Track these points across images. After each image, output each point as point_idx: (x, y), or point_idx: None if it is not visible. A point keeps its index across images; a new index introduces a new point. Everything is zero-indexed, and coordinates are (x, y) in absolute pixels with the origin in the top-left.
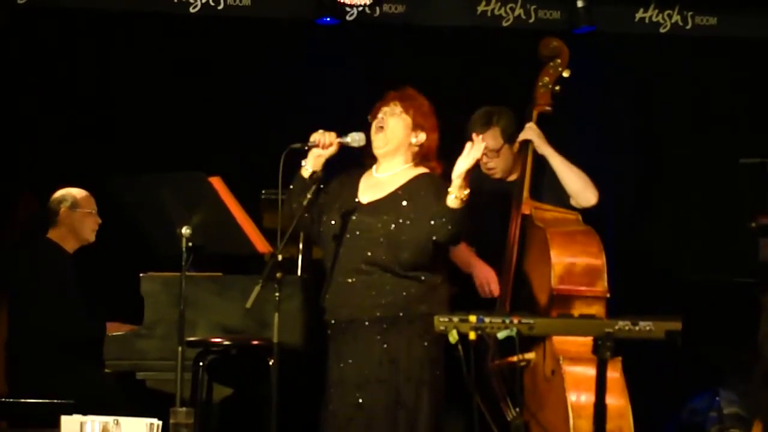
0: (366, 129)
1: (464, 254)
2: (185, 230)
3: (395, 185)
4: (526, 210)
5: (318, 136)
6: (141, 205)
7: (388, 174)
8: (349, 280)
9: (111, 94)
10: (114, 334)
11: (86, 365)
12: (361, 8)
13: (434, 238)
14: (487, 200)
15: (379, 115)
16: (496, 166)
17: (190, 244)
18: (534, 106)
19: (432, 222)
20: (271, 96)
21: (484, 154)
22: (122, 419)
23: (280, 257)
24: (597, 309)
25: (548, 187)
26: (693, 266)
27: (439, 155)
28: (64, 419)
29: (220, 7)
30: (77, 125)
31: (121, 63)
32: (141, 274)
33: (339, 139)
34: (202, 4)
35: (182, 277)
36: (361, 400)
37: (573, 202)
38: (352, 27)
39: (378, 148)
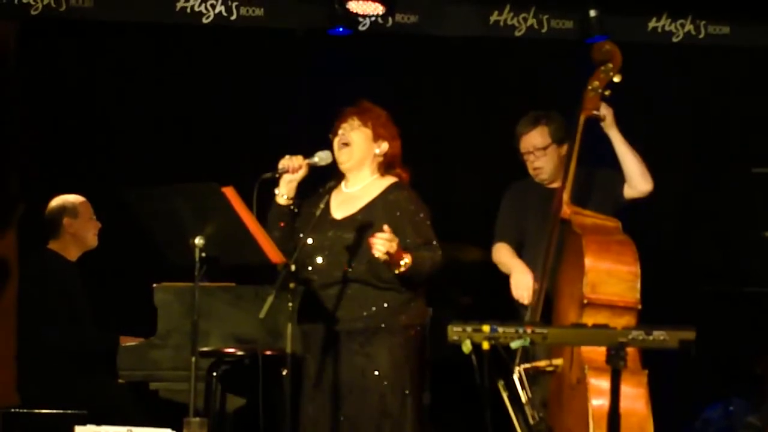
0: (329, 147)
1: (505, 257)
2: (198, 240)
3: (368, 198)
4: (565, 214)
5: (286, 162)
6: (154, 216)
7: (358, 187)
8: (330, 293)
9: (124, 104)
10: (127, 344)
11: (100, 376)
12: (373, 18)
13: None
14: (530, 206)
15: (340, 132)
16: (543, 166)
17: (203, 254)
18: (582, 110)
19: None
20: (284, 106)
21: (531, 152)
22: (136, 429)
23: (293, 267)
24: (628, 320)
25: (598, 187)
26: (705, 276)
27: (404, 161)
28: (78, 430)
29: (233, 18)
30: (89, 135)
31: (133, 73)
32: (154, 285)
33: (307, 161)
34: (215, 14)
35: (195, 288)
36: (345, 411)
37: (627, 191)
38: (364, 37)
39: (343, 163)
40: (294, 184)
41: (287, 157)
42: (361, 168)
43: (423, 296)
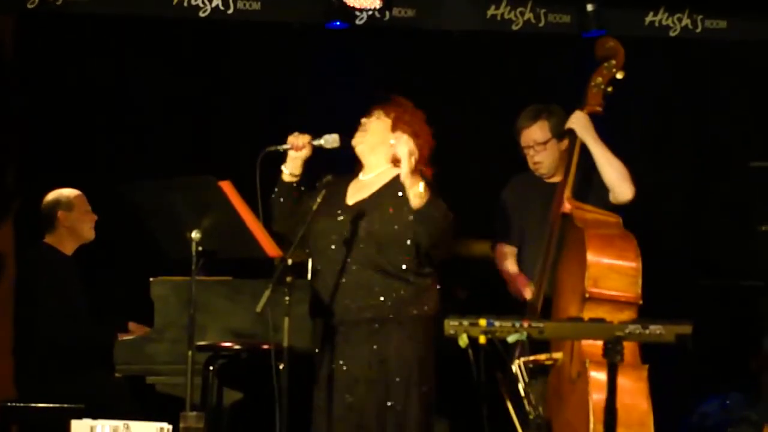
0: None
1: (507, 266)
2: (195, 234)
3: (378, 185)
4: (567, 209)
5: (292, 139)
6: (151, 210)
7: (372, 175)
8: (340, 281)
9: (120, 98)
10: (124, 338)
11: (96, 370)
12: (371, 12)
13: (418, 242)
14: (530, 200)
15: (363, 121)
16: (543, 161)
17: (200, 248)
18: (584, 105)
19: (413, 228)
20: (281, 100)
21: (531, 147)
22: (132, 423)
23: (290, 261)
24: (629, 314)
25: (595, 188)
26: (703, 270)
27: (432, 160)
28: (75, 424)
29: (229, 12)
30: (86, 129)
31: (130, 67)
32: (151, 279)
33: (313, 142)
34: (211, 8)
35: (192, 282)
36: (351, 401)
37: (611, 197)
38: (361, 31)
39: (355, 146)
40: (298, 162)
41: (295, 134)
42: (374, 154)
43: (434, 288)
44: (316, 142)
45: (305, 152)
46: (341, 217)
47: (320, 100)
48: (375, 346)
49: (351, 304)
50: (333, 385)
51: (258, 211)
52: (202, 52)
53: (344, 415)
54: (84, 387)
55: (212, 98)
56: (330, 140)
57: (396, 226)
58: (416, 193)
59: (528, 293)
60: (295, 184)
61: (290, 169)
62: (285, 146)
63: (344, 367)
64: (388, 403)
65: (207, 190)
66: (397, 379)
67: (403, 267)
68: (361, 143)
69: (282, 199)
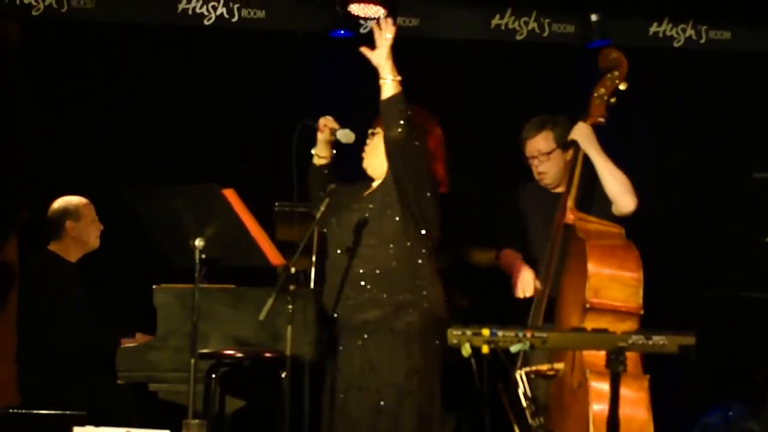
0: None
1: (509, 258)
2: (198, 242)
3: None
4: (569, 219)
5: (321, 119)
6: (154, 217)
7: (380, 181)
8: (339, 285)
9: (125, 105)
10: (126, 345)
11: (99, 376)
12: (375, 21)
13: (393, 141)
14: (534, 210)
15: (368, 141)
16: (547, 171)
17: (204, 256)
18: (587, 117)
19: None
20: (285, 108)
21: (535, 157)
22: (135, 431)
23: (293, 269)
24: (630, 325)
25: (598, 199)
26: (706, 281)
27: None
28: (77, 430)
29: (234, 20)
30: (90, 136)
31: (134, 75)
32: (154, 286)
33: (331, 127)
34: (216, 16)
35: (195, 289)
36: (343, 406)
37: (613, 208)
38: (366, 40)
39: (364, 165)
40: (321, 145)
41: (328, 117)
42: (381, 167)
43: (435, 288)
44: (333, 128)
45: (325, 135)
46: (344, 217)
47: (324, 109)
48: (367, 352)
49: (347, 309)
50: (330, 390)
51: (293, 187)
52: (207, 60)
53: (338, 420)
54: (86, 394)
55: (216, 106)
56: (342, 134)
57: (388, 211)
58: (394, 77)
59: (523, 285)
60: (321, 166)
61: (315, 150)
62: (314, 124)
63: (339, 373)
64: (380, 411)
65: (210, 198)
66: (390, 387)
67: (401, 255)
68: (367, 167)
69: (311, 176)
